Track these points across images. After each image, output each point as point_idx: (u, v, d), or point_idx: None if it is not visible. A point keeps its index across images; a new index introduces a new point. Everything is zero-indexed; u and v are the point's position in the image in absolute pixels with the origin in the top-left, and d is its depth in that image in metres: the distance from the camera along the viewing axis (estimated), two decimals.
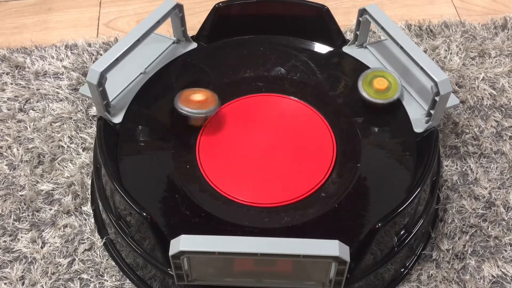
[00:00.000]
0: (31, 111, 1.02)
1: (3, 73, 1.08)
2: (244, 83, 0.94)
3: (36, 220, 0.88)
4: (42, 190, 0.91)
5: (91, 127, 0.99)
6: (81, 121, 1.00)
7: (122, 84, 0.91)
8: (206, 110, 0.84)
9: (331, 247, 0.66)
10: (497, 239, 0.85)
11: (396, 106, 0.89)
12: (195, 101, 0.84)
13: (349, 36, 1.12)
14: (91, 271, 0.83)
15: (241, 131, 0.87)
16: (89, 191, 0.91)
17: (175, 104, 0.84)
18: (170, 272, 0.73)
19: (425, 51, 1.09)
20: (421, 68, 0.82)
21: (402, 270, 0.82)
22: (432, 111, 0.83)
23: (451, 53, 1.09)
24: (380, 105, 0.87)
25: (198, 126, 0.87)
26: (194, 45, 0.98)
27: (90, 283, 0.82)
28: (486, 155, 0.95)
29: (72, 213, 0.88)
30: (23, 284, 0.82)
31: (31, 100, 1.03)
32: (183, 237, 0.67)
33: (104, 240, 0.85)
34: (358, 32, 0.95)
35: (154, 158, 0.85)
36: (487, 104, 1.01)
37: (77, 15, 1.22)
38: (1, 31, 1.19)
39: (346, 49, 0.97)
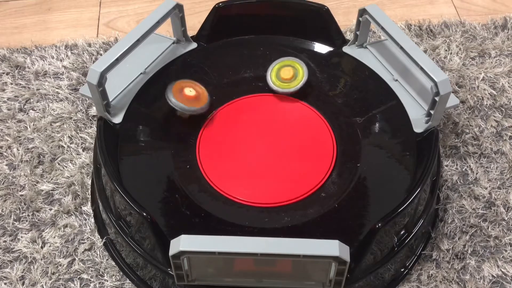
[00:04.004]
0: (31, 111, 1.02)
1: (3, 73, 1.08)
2: (244, 83, 0.94)
3: (36, 220, 0.88)
4: (42, 190, 0.91)
5: (91, 127, 0.99)
6: (81, 121, 1.00)
7: (122, 84, 0.91)
8: (195, 108, 0.86)
9: (331, 247, 0.66)
10: (497, 239, 0.85)
11: (396, 106, 0.89)
12: (187, 96, 0.86)
13: (349, 36, 1.12)
14: (91, 271, 0.83)
15: (241, 131, 0.87)
16: (89, 191, 0.91)
17: (166, 94, 0.85)
18: (170, 272, 0.73)
19: (425, 51, 1.09)
20: (421, 68, 0.82)
21: (402, 270, 0.82)
22: (432, 111, 0.83)
23: (451, 53, 1.09)
24: (286, 94, 0.90)
25: (184, 118, 0.88)
26: (194, 45, 0.98)
27: (90, 283, 0.82)
28: (486, 155, 0.95)
29: (72, 213, 0.88)
30: (23, 284, 0.82)
31: (31, 100, 1.03)
32: (183, 237, 0.67)
33: (104, 240, 0.85)
34: (358, 32, 0.95)
35: (154, 158, 0.85)
36: (487, 104, 1.01)
37: (77, 15, 1.22)
38: (1, 31, 1.19)
39: (346, 49, 0.97)
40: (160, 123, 0.89)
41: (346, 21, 1.18)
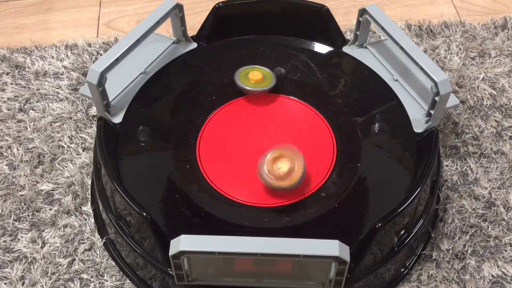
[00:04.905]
0: (31, 111, 1.02)
1: (3, 73, 1.08)
2: None
3: (36, 220, 0.88)
4: (42, 190, 0.91)
5: (91, 127, 0.99)
6: (81, 121, 1.00)
7: (122, 84, 0.91)
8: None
9: (331, 247, 0.66)
10: (497, 239, 0.85)
11: (396, 106, 0.89)
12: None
13: (349, 36, 1.12)
14: (91, 271, 0.83)
15: (241, 131, 0.87)
16: (89, 191, 0.91)
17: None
18: (170, 272, 0.73)
19: (425, 51, 1.09)
20: (421, 68, 0.82)
21: (402, 270, 0.82)
22: (432, 111, 0.83)
23: (451, 53, 1.09)
24: (259, 93, 0.91)
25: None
26: (194, 45, 0.98)
27: (90, 283, 0.82)
28: (486, 155, 0.95)
29: (72, 213, 0.88)
30: (23, 284, 0.82)
31: (31, 100, 1.03)
32: (183, 237, 0.67)
33: (104, 240, 0.85)
34: (358, 32, 0.95)
35: (154, 158, 0.85)
36: (487, 104, 1.01)
37: (77, 15, 1.22)
38: (1, 31, 1.19)
39: (346, 49, 0.97)
40: (160, 123, 0.89)
41: (346, 21, 1.18)
